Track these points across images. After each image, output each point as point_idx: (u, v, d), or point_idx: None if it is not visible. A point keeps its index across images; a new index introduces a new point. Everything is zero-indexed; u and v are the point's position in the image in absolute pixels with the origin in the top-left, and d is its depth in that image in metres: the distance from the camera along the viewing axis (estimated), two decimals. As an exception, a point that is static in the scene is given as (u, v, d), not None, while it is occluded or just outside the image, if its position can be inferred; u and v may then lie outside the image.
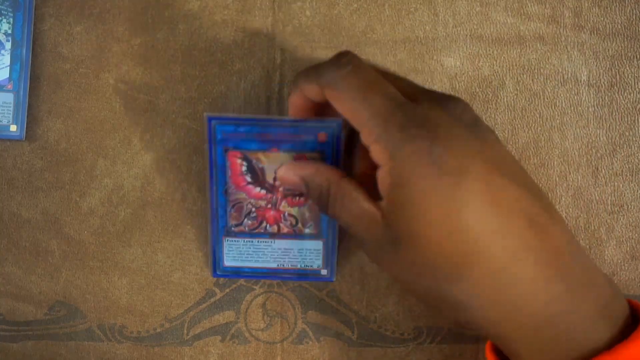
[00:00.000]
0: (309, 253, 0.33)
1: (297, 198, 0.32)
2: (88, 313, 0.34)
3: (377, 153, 0.25)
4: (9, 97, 0.33)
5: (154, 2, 0.34)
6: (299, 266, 0.33)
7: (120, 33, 0.34)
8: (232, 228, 0.32)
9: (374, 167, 0.25)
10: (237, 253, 0.33)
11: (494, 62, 0.34)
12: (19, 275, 0.34)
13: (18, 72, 0.33)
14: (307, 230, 0.33)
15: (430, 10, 0.34)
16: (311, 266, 0.33)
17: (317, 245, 0.33)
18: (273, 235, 0.33)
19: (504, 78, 0.34)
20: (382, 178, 0.25)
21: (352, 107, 0.25)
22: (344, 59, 0.26)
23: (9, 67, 0.32)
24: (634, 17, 0.34)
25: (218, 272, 0.34)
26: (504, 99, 0.34)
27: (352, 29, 0.34)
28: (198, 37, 0.34)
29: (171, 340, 0.34)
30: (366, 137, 0.25)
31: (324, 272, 0.33)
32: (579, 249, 0.26)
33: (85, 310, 0.34)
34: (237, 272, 0.34)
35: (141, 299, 0.34)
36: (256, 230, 0.32)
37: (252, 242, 0.33)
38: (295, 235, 0.33)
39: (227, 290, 0.34)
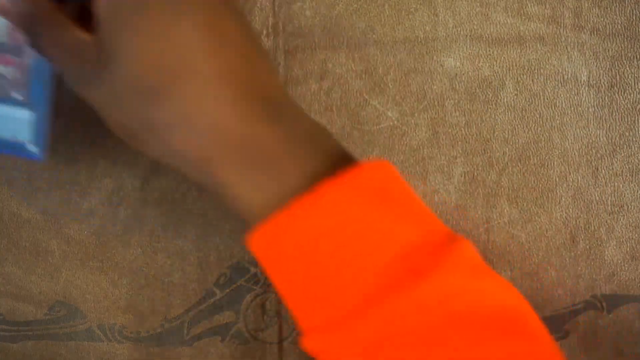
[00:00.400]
0: (14, 122, 0.29)
1: (9, 56, 0.29)
2: (88, 313, 0.34)
3: None
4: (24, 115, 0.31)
5: (154, 2, 0.34)
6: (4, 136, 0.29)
7: (120, 33, 0.34)
8: None
9: None
10: None
11: (494, 62, 0.34)
12: (19, 275, 0.34)
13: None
14: (15, 95, 0.29)
15: (430, 11, 0.34)
16: (16, 138, 0.29)
17: (25, 114, 0.29)
18: None
19: (504, 78, 0.34)
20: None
21: None
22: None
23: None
24: (634, 18, 0.34)
25: None
26: (504, 99, 0.34)
27: (352, 29, 0.34)
28: (198, 37, 0.34)
29: (171, 340, 0.34)
30: None
31: (32, 147, 0.29)
32: (292, 102, 0.26)
33: (85, 310, 0.34)
34: None
35: (141, 299, 0.34)
36: None
37: None
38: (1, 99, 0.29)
39: (227, 290, 0.34)
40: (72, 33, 0.25)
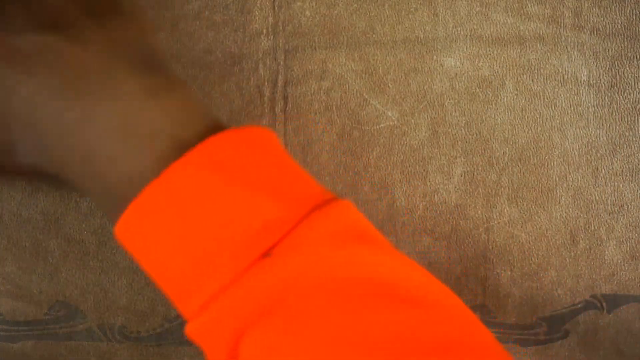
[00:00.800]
0: None
1: None
2: (88, 313, 0.34)
3: None
4: None
5: (154, 2, 0.34)
6: None
7: (120, 33, 0.34)
8: None
9: None
10: None
11: (494, 62, 0.34)
12: (19, 275, 0.34)
13: None
14: None
15: (430, 11, 0.34)
16: None
17: None
18: None
19: (504, 78, 0.34)
20: None
21: None
22: None
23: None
24: (634, 17, 0.34)
25: None
26: (504, 99, 0.34)
27: (352, 29, 0.34)
28: (198, 37, 0.34)
29: (171, 340, 0.34)
30: None
31: None
32: (116, 65, 0.25)
33: (85, 310, 0.34)
34: None
35: (141, 298, 0.34)
36: None
37: None
38: None
39: (227, 290, 0.34)
40: None
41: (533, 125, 0.34)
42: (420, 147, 0.34)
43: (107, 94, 0.24)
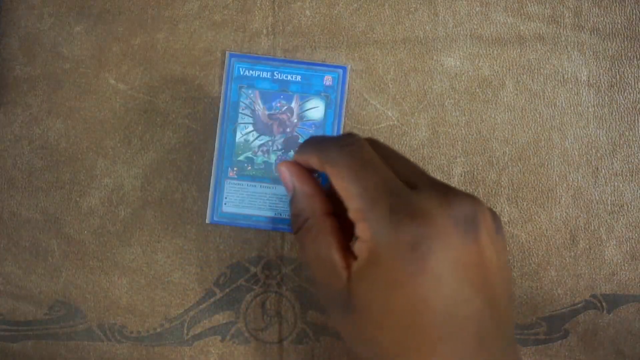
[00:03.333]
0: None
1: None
2: (88, 313, 0.34)
3: (361, 230, 0.25)
4: None
5: (154, 2, 0.34)
6: None
7: (120, 33, 0.34)
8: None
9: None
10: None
11: (494, 62, 0.34)
12: (19, 275, 0.34)
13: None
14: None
15: (430, 10, 0.34)
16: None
17: None
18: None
19: (504, 78, 0.34)
20: (360, 249, 0.25)
21: (345, 185, 0.26)
22: (348, 139, 0.27)
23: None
24: (634, 17, 0.34)
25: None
26: (504, 99, 0.34)
27: (352, 29, 0.34)
28: (198, 37, 0.34)
29: (171, 340, 0.34)
30: (353, 214, 0.26)
31: None
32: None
33: (85, 310, 0.34)
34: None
35: (141, 298, 0.34)
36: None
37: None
38: None
39: (227, 290, 0.34)
40: (332, 253, 0.26)
41: (533, 125, 0.34)
42: (420, 146, 0.34)
43: None
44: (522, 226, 0.34)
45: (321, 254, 0.27)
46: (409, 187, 0.26)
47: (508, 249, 0.35)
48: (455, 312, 0.24)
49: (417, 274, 0.24)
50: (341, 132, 0.33)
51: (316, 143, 0.28)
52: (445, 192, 0.25)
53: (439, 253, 0.24)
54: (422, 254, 0.24)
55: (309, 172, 0.29)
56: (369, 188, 0.26)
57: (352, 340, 0.26)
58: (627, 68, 0.34)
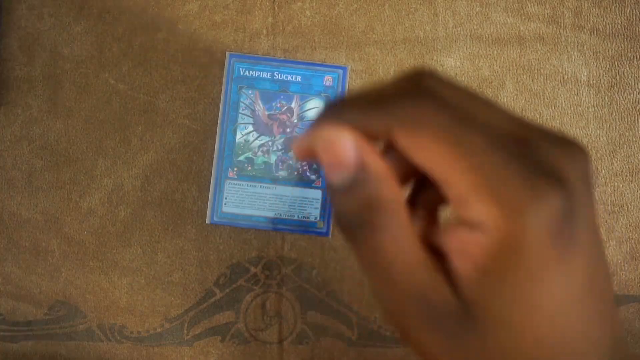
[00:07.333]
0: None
1: None
2: (88, 313, 0.34)
3: (483, 212, 0.18)
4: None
5: (154, 2, 0.34)
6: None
7: (120, 33, 0.34)
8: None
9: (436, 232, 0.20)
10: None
11: (494, 62, 0.34)
12: (19, 275, 0.34)
13: None
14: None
15: (430, 11, 0.34)
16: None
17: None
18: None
19: (504, 78, 0.34)
20: (481, 245, 0.18)
21: (441, 153, 0.18)
22: (425, 83, 0.19)
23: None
24: (634, 17, 0.34)
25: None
26: (504, 99, 0.34)
27: (352, 29, 0.34)
28: (198, 37, 0.34)
29: (171, 340, 0.34)
30: (463, 191, 0.18)
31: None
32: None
33: (85, 310, 0.34)
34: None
35: (141, 299, 0.34)
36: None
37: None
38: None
39: (227, 290, 0.34)
40: (423, 268, 0.19)
41: (533, 125, 0.34)
42: (420, 147, 0.34)
43: None
44: (522, 226, 0.34)
45: (409, 259, 0.19)
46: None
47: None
48: (598, 303, 0.19)
49: (566, 263, 0.18)
50: None
51: (371, 101, 0.19)
52: (562, 141, 0.18)
53: (586, 229, 0.18)
54: (570, 233, 0.18)
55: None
56: (478, 150, 0.18)
57: None
58: (627, 68, 0.34)
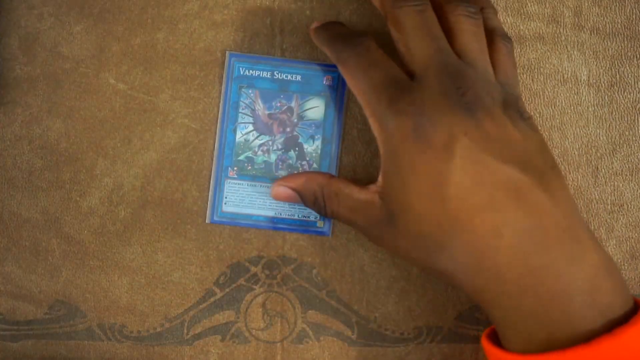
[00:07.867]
0: None
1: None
2: (88, 312, 0.34)
3: (372, 125, 0.27)
4: None
5: (154, 2, 0.34)
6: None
7: (120, 33, 0.34)
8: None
9: None
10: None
11: (494, 62, 0.34)
12: (18, 274, 0.34)
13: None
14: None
15: (430, 10, 0.34)
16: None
17: None
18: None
19: (504, 78, 0.34)
20: (379, 149, 0.27)
21: (356, 82, 0.28)
22: (357, 40, 0.29)
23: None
24: (634, 17, 0.34)
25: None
26: (503, 98, 0.34)
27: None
28: (198, 37, 0.34)
29: (171, 339, 0.34)
30: (365, 110, 0.28)
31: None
32: (579, 228, 0.26)
33: (85, 310, 0.34)
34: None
35: (141, 298, 0.34)
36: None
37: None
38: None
39: (227, 289, 0.34)
40: (355, 196, 0.28)
41: (533, 124, 0.34)
42: (420, 146, 0.34)
43: (574, 258, 0.25)
44: (522, 226, 0.34)
45: (350, 206, 0.29)
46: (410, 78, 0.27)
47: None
48: (482, 180, 0.25)
49: (425, 152, 0.25)
50: (341, 132, 0.33)
51: (330, 40, 0.30)
52: (453, 72, 0.26)
53: (439, 130, 0.25)
54: (424, 134, 0.25)
55: (296, 173, 0.32)
56: (374, 81, 0.27)
57: (406, 252, 0.27)
58: (627, 68, 0.34)
